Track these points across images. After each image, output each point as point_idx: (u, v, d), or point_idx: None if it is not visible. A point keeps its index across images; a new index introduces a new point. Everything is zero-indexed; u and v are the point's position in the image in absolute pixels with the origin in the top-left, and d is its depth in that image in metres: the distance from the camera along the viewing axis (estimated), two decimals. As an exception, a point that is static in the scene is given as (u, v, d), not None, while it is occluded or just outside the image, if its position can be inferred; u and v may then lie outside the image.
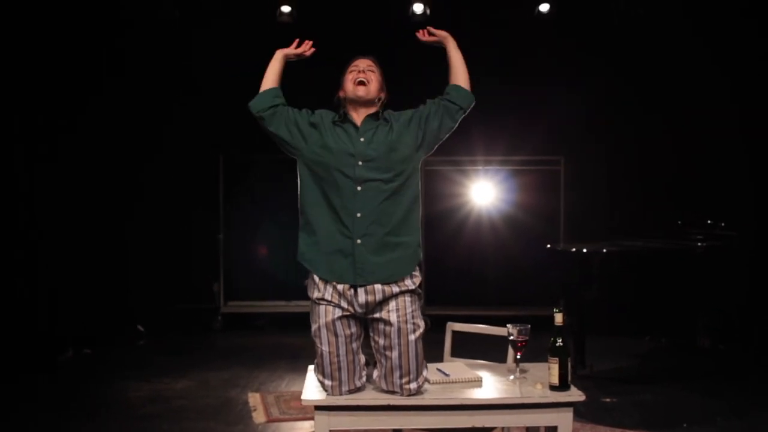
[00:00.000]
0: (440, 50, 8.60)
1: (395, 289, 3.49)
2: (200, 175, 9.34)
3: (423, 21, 8.45)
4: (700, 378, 6.72)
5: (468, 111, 3.81)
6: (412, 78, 8.54)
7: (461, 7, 8.55)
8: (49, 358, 7.35)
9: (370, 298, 3.47)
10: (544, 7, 8.52)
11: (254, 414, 5.80)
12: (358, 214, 3.50)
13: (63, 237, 7.80)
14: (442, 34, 3.94)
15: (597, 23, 8.68)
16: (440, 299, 9.22)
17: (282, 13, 8.53)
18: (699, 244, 7.18)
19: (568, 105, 8.60)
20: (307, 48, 3.90)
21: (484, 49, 8.76)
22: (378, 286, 3.47)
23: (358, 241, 3.49)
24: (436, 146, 3.77)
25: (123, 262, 8.69)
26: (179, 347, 8.21)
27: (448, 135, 3.79)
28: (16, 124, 7.34)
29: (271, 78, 3.82)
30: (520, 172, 9.43)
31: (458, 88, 3.81)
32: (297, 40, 3.90)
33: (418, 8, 8.44)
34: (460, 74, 3.85)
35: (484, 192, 9.41)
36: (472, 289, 9.42)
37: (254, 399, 6.20)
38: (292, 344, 8.18)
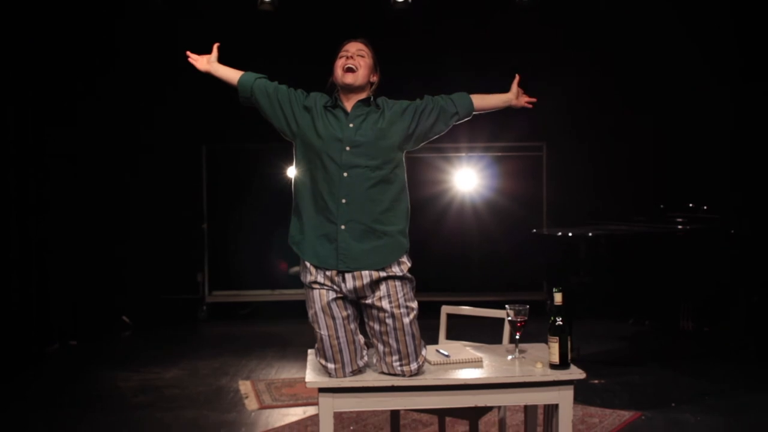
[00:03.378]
0: (423, 43, 8.65)
1: (382, 273, 3.49)
2: (183, 166, 9.33)
3: (404, 9, 8.46)
4: (686, 359, 6.82)
5: (462, 120, 3.82)
6: (393, 67, 8.57)
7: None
8: (36, 351, 7.33)
9: (358, 283, 3.48)
10: (525, -5, 8.56)
11: (246, 401, 5.83)
12: (344, 200, 3.49)
13: (47, 230, 7.75)
14: (515, 90, 3.96)
15: (578, 11, 8.72)
16: (424, 285, 9.14)
17: (263, 2, 8.50)
18: (681, 227, 7.26)
19: (549, 91, 8.57)
20: (200, 56, 3.84)
21: (466, 36, 8.84)
22: (365, 272, 3.48)
23: (342, 227, 3.49)
24: (422, 144, 3.77)
25: (108, 253, 8.64)
26: (166, 337, 8.22)
27: (436, 137, 3.81)
28: (10, 119, 7.27)
29: (230, 74, 3.80)
30: (503, 159, 9.49)
31: (466, 97, 3.82)
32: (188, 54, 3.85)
33: (399, -5, 8.44)
34: (481, 97, 3.87)
35: (468, 178, 9.47)
36: (456, 276, 9.47)
37: (245, 387, 6.22)
38: (279, 332, 8.22)
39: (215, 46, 3.87)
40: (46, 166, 7.71)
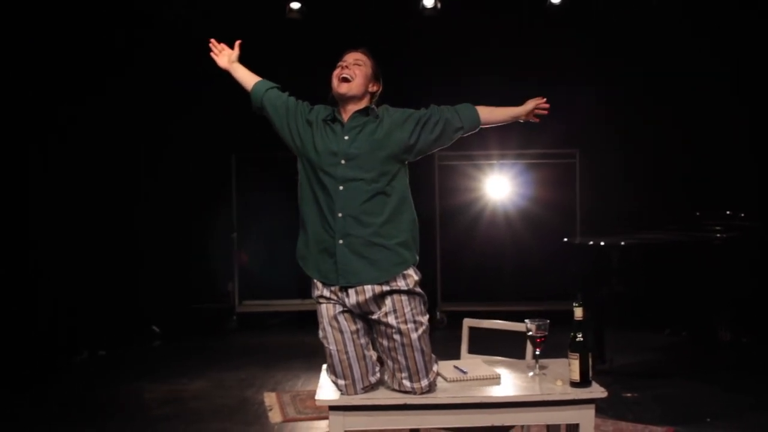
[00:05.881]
0: (450, 49, 8.56)
1: (385, 288, 3.38)
2: (213, 174, 9.32)
3: (434, 15, 8.39)
4: (723, 372, 6.61)
5: (467, 134, 3.65)
6: (421, 72, 8.52)
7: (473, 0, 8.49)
8: (64, 360, 7.33)
9: (361, 298, 3.39)
10: (555, -2, 8.44)
11: (270, 414, 5.75)
12: (340, 214, 3.41)
13: (77, 238, 7.76)
14: (530, 108, 3.70)
15: (612, 16, 8.57)
16: (456, 295, 9.16)
17: (291, 10, 8.49)
18: (718, 235, 7.07)
19: (582, 98, 8.48)
20: (223, 47, 3.80)
21: (496, 41, 8.72)
22: (367, 286, 3.38)
23: (340, 241, 3.40)
24: (421, 156, 3.60)
25: (137, 262, 8.65)
26: (194, 348, 8.18)
27: (437, 150, 3.68)
28: (28, 122, 7.31)
29: (247, 79, 3.75)
30: (535, 166, 9.33)
31: (472, 109, 3.63)
32: (212, 42, 3.80)
33: (428, 2, 8.38)
34: (489, 110, 3.66)
35: (499, 186, 9.33)
36: (488, 285, 9.33)
37: (270, 399, 6.14)
38: (307, 343, 8.10)
39: (237, 44, 3.83)
40: (73, 171, 7.73)
